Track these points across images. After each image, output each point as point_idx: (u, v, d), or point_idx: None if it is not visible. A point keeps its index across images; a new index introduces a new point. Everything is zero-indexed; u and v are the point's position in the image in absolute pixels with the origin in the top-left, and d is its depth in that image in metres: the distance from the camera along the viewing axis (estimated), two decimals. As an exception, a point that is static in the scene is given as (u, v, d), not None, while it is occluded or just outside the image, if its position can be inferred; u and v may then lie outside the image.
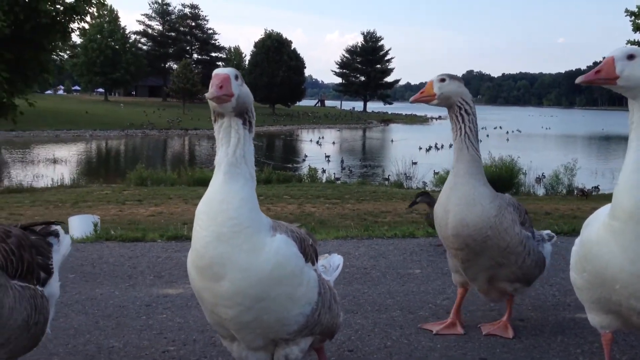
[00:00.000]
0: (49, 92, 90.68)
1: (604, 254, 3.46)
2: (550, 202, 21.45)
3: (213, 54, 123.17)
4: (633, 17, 29.86)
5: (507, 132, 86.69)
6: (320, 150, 55.56)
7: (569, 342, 4.59)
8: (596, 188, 26.25)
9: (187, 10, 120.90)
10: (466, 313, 5.26)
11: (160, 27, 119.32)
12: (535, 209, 18.30)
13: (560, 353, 4.39)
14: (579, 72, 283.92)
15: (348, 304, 5.40)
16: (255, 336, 3.17)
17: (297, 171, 35.80)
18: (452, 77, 4.46)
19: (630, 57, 3.27)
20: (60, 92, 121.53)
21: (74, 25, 16.91)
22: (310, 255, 3.24)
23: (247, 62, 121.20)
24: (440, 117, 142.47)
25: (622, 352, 4.42)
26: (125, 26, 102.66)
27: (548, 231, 5.15)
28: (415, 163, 33.02)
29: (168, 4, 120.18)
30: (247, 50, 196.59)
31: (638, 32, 30.12)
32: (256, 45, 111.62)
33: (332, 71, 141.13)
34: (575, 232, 8.77)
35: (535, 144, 69.19)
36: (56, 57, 19.30)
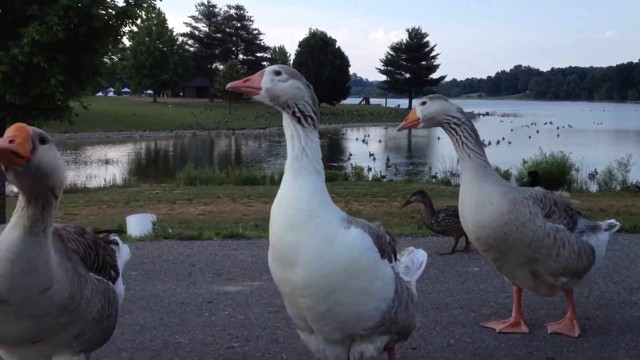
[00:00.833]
0: (99, 94, 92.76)
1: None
2: (604, 199, 20.93)
3: (258, 54, 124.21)
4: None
5: (558, 128, 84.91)
6: (365, 148, 55.44)
7: (638, 341, 4.48)
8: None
9: (232, 11, 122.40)
10: (530, 312, 5.18)
11: (206, 29, 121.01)
12: (590, 206, 17.85)
13: (630, 352, 4.29)
14: (631, 65, 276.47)
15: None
16: (331, 329, 3.18)
17: (342, 170, 35.81)
18: (433, 98, 4.55)
19: None
20: (111, 94, 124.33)
21: (125, 29, 17.22)
22: (387, 252, 3.24)
23: (291, 62, 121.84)
24: (487, 114, 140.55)
25: (695, 353, 4.28)
26: (172, 28, 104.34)
27: (611, 220, 5.02)
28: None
29: (214, 6, 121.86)
30: (291, 50, 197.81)
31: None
32: (301, 44, 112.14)
33: (377, 69, 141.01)
34: (637, 229, 8.56)
35: (587, 139, 67.56)
36: (108, 61, 19.71)
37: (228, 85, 3.27)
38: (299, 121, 3.11)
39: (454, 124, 4.46)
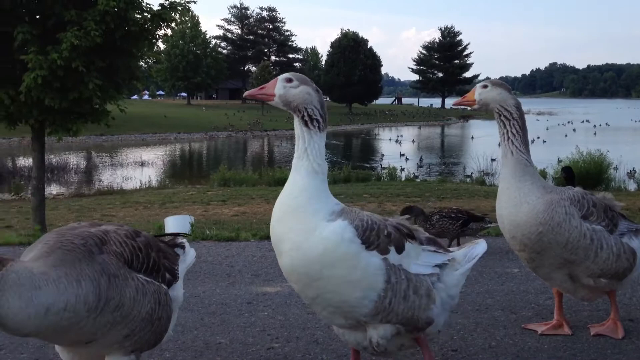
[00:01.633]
0: (134, 97, 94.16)
1: None
2: (643, 198, 20.49)
3: (290, 56, 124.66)
4: None
5: (594, 126, 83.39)
6: (398, 148, 55.21)
7: (686, 345, 4.38)
8: None
9: (264, 13, 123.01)
10: (572, 313, 5.11)
11: (239, 31, 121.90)
12: (628, 205, 17.46)
13: (677, 356, 4.20)
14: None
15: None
16: (330, 314, 3.47)
17: (375, 170, 35.71)
18: (495, 84, 4.52)
19: None
20: (146, 97, 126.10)
21: (160, 32, 17.41)
22: (377, 243, 3.35)
23: (323, 62, 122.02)
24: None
25: None
26: (205, 31, 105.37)
27: None
28: (494, 160, 32.28)
29: (247, 8, 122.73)
30: (323, 51, 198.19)
31: None
32: (332, 45, 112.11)
33: (409, 68, 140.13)
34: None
35: (625, 137, 66.17)
36: (144, 64, 19.92)
37: (245, 94, 3.67)
38: (306, 124, 3.42)
39: (505, 116, 4.46)
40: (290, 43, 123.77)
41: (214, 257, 7.28)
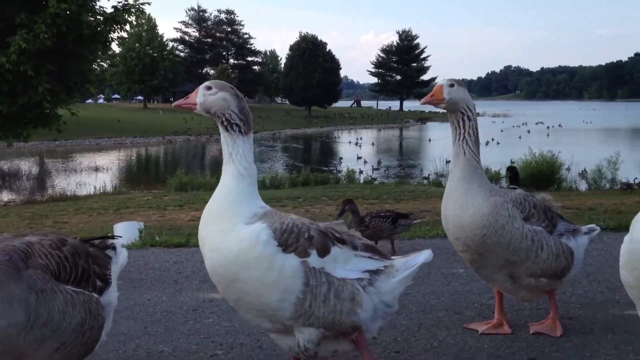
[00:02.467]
0: (89, 101, 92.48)
1: (655, 251, 3.38)
2: (593, 197, 21.03)
3: (249, 59, 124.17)
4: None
5: (548, 128, 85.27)
6: (358, 151, 55.52)
7: (620, 340, 4.51)
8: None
9: (223, 16, 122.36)
10: (513, 312, 5.21)
11: (197, 34, 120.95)
12: (579, 204, 17.95)
13: (611, 351, 4.31)
14: (620, 64, 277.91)
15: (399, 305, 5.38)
16: (255, 317, 3.52)
17: (334, 173, 35.83)
18: (460, 83, 4.55)
19: None
20: (101, 100, 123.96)
21: (114, 35, 17.16)
22: (295, 246, 3.37)
23: (282, 66, 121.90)
24: (478, 114, 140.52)
25: (676, 350, 4.31)
26: (162, 34, 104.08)
27: (591, 225, 5.11)
28: (449, 162, 32.77)
29: (204, 11, 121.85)
30: (282, 54, 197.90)
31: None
32: (291, 48, 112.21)
33: (368, 71, 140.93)
34: (622, 228, 8.60)
35: (577, 138, 67.88)
36: (97, 67, 19.64)
37: (173, 104, 3.79)
38: (227, 129, 3.53)
39: (467, 116, 4.51)
40: (248, 46, 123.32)
41: (162, 264, 7.19)
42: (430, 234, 8.66)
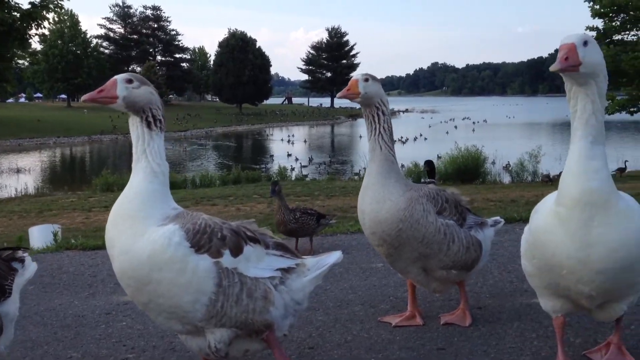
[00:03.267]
0: (10, 100, 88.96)
1: (551, 241, 3.53)
2: (516, 190, 21.78)
3: (177, 55, 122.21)
4: (591, 3, 30.43)
5: (474, 123, 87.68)
6: (290, 148, 55.54)
7: (525, 328, 4.68)
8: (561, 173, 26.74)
9: (148, 12, 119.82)
10: (426, 304, 5.33)
11: (122, 30, 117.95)
12: (502, 197, 18.56)
13: (516, 339, 4.47)
14: (541, 60, 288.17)
15: (310, 302, 5.38)
16: (165, 320, 3.45)
17: (266, 170, 35.74)
18: (374, 78, 4.60)
19: (585, 43, 3.34)
20: (22, 99, 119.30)
21: (32, 32, 16.51)
22: (209, 247, 3.35)
23: (212, 63, 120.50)
24: (407, 110, 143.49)
25: (576, 335, 4.51)
26: (86, 30, 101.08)
27: (496, 217, 5.32)
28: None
29: (129, 7, 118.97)
30: (211, 50, 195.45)
31: (597, 17, 30.72)
32: (220, 45, 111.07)
33: (298, 68, 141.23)
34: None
35: (501, 133, 70.11)
36: (15, 66, 18.88)
37: (83, 98, 3.51)
38: (149, 125, 3.43)
39: (381, 111, 4.54)
40: (176, 43, 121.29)
41: (77, 267, 6.99)
42: (352, 229, 8.74)
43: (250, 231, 3.64)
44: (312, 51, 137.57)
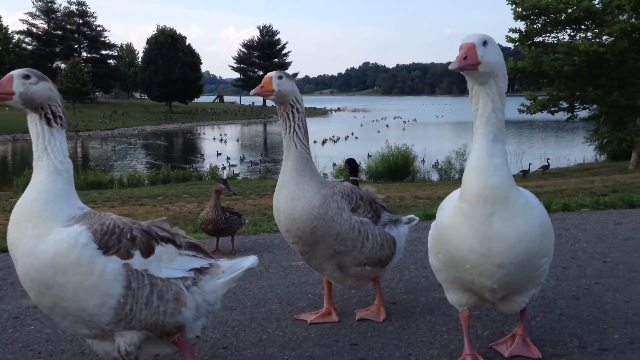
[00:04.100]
0: None
1: (455, 236, 3.63)
2: (443, 187, 22.25)
3: (103, 52, 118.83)
4: (514, 6, 31.46)
5: (405, 122, 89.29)
6: (222, 147, 55.02)
7: (436, 322, 4.79)
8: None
9: (73, 7, 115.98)
10: (342, 300, 5.39)
11: (45, 26, 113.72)
12: (430, 195, 18.92)
13: (427, 332, 4.58)
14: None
15: (227, 301, 5.38)
16: (72, 324, 3.34)
17: (197, 169, 35.30)
18: (288, 76, 4.61)
19: (485, 43, 3.44)
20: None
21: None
22: (118, 248, 3.28)
23: (140, 60, 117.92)
24: (339, 109, 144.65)
25: (484, 327, 4.66)
26: (7, 26, 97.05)
27: (411, 215, 5.44)
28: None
29: (53, 2, 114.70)
30: (139, 47, 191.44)
31: (519, 20, 31.79)
32: (149, 41, 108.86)
33: (230, 66, 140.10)
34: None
35: (430, 131, 71.72)
36: None
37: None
38: (49, 122, 3.33)
39: (296, 109, 4.54)
40: (102, 39, 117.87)
41: (-15, 271, 6.70)
42: (275, 228, 8.72)
43: (162, 230, 3.59)
44: (243, 49, 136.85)
